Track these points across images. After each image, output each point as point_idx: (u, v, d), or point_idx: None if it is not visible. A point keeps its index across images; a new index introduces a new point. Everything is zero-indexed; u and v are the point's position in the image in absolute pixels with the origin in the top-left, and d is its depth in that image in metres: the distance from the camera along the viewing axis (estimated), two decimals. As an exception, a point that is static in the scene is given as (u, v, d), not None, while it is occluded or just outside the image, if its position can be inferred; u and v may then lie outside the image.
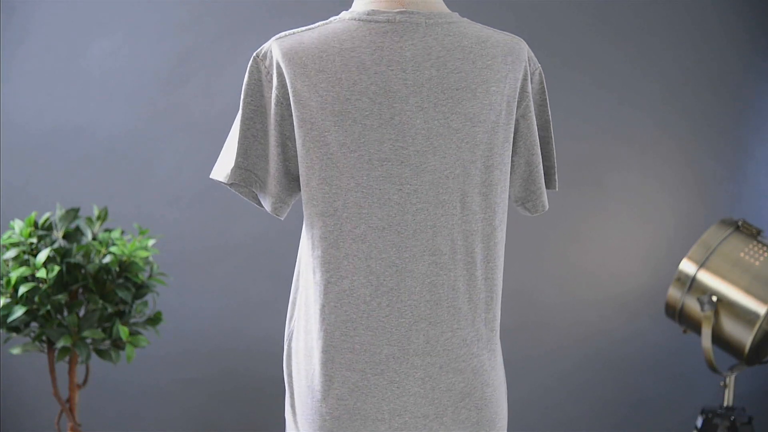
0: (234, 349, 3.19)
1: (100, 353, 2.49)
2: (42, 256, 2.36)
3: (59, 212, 2.54)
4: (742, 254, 2.53)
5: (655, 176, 3.22)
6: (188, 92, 3.15)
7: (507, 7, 3.12)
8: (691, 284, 2.57)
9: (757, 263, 2.50)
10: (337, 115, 1.41)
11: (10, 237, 2.44)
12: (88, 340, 2.44)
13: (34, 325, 2.50)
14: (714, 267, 2.55)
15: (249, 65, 1.46)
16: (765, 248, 2.53)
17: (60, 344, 2.39)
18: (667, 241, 3.19)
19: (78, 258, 2.46)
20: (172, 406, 3.20)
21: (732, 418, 2.55)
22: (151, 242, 2.53)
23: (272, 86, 1.44)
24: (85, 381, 2.59)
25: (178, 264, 3.01)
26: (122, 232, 2.56)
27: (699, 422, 2.60)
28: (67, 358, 2.54)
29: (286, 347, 1.54)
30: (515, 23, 3.15)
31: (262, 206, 1.51)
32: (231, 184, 1.49)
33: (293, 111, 1.42)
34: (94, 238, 2.53)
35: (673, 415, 3.17)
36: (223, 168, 1.49)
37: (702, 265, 2.56)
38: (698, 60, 3.19)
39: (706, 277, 2.55)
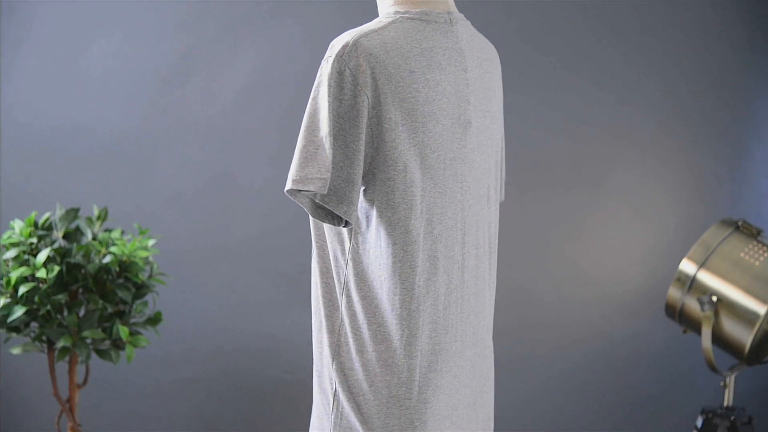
0: (234, 348, 3.19)
1: (100, 353, 2.49)
2: (42, 256, 2.36)
3: (59, 212, 2.54)
4: (742, 254, 2.53)
5: (655, 176, 3.22)
6: (188, 92, 3.15)
7: (507, 7, 3.12)
8: (691, 284, 2.57)
9: (757, 263, 2.50)
10: (425, 116, 1.41)
11: (10, 237, 2.44)
12: (88, 340, 2.44)
13: (34, 325, 2.50)
14: (714, 267, 2.55)
15: (331, 66, 1.37)
16: (765, 248, 2.53)
17: (60, 344, 2.39)
18: (667, 241, 3.19)
19: (78, 258, 2.46)
20: (172, 406, 3.20)
21: (732, 418, 2.55)
22: (151, 242, 2.53)
23: (359, 88, 1.36)
24: (85, 381, 2.59)
25: (178, 264, 3.01)
26: (122, 232, 2.56)
27: (699, 422, 2.60)
28: (67, 358, 2.54)
29: (335, 363, 1.46)
30: (515, 24, 3.15)
31: (316, 217, 1.41)
32: (301, 193, 1.38)
33: (385, 113, 1.38)
34: (94, 238, 2.53)
35: (673, 415, 3.17)
36: (311, 177, 1.36)
37: (702, 265, 2.56)
38: (698, 60, 3.19)
39: (706, 277, 2.55)
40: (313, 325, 1.51)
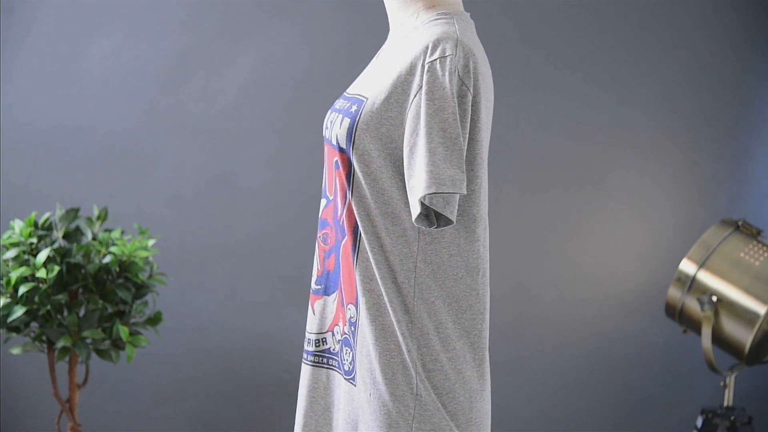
0: (234, 349, 3.19)
1: (100, 353, 2.49)
2: (42, 256, 2.36)
3: (59, 212, 2.54)
4: (742, 254, 2.53)
5: (655, 176, 3.22)
6: (188, 92, 3.15)
7: (506, 7, 3.12)
8: (691, 284, 2.57)
9: (757, 263, 2.50)
10: (489, 113, 1.46)
11: (10, 237, 2.44)
12: (88, 340, 2.44)
13: (34, 325, 2.50)
14: (714, 267, 2.55)
15: (448, 68, 1.37)
16: (765, 248, 2.53)
17: (60, 344, 2.39)
18: (667, 241, 3.19)
19: (78, 258, 2.46)
20: (172, 406, 3.20)
21: (732, 418, 2.55)
22: (151, 242, 2.53)
23: (464, 88, 1.37)
24: (85, 381, 2.60)
25: (178, 264, 3.01)
26: (122, 232, 2.56)
27: (699, 422, 2.60)
28: (67, 358, 2.54)
29: (418, 365, 1.43)
30: (514, 23, 3.15)
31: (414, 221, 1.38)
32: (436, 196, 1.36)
33: (478, 112, 1.40)
34: (94, 238, 2.53)
35: (673, 415, 3.17)
36: (454, 178, 1.34)
37: (702, 265, 2.56)
38: (698, 60, 3.19)
39: (706, 277, 2.55)
40: (369, 331, 1.44)
